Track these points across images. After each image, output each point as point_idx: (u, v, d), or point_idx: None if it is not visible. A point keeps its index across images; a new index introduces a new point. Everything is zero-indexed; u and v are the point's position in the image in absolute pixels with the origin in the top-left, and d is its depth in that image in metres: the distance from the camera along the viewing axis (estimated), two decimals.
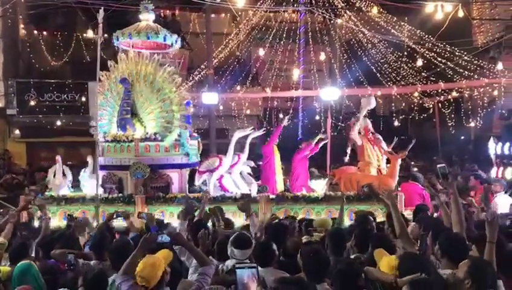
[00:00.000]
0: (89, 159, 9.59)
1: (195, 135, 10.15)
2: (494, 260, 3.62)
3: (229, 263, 4.26)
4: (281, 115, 19.68)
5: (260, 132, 9.64)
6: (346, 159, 10.31)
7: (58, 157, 9.76)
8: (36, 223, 7.48)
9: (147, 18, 9.54)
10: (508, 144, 10.82)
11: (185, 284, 4.04)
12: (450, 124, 18.47)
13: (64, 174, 9.50)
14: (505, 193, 8.19)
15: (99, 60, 8.14)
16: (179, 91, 9.18)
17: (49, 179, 9.42)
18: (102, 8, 7.94)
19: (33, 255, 5.06)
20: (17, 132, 19.01)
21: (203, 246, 4.64)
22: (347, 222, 7.04)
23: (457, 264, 3.69)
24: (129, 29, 9.36)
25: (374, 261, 4.00)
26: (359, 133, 9.62)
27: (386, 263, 3.74)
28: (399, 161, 9.08)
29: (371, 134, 9.69)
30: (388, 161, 9.65)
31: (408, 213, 7.03)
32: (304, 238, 5.11)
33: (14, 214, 6.06)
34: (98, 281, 4.04)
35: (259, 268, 4.05)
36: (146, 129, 9.23)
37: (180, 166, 9.04)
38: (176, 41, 9.60)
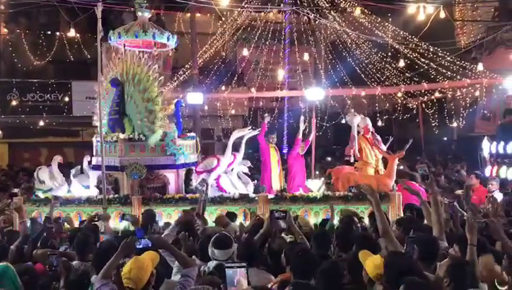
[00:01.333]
0: (85, 159, 9.53)
1: (191, 134, 10.00)
2: (476, 261, 3.67)
3: (211, 264, 4.25)
4: (266, 115, 19.69)
5: (256, 132, 9.62)
6: (329, 159, 10.36)
7: (59, 158, 9.64)
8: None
9: (142, 16, 9.48)
10: (502, 143, 10.97)
11: (169, 285, 4.02)
12: (433, 124, 18.69)
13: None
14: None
15: (99, 58, 8.06)
16: (161, 91, 9.10)
17: (44, 179, 9.23)
18: (100, 2, 7.84)
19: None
20: None
21: (184, 247, 4.63)
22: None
23: (430, 265, 3.78)
24: (119, 29, 9.32)
25: (357, 260, 4.02)
26: (358, 132, 9.68)
27: (371, 263, 3.75)
28: (396, 161, 9.15)
29: (370, 134, 9.72)
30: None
31: None
32: (288, 238, 5.12)
33: (7, 219, 5.99)
34: (80, 282, 4.00)
35: None
36: (134, 129, 9.18)
37: (174, 167, 8.93)
38: (168, 38, 9.50)
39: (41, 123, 18.64)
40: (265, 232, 5.12)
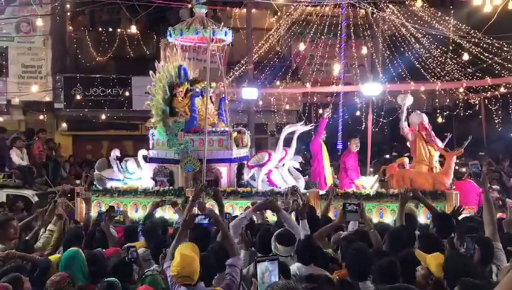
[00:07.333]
0: (139, 153, 9.82)
1: (220, 129, 9.84)
2: None
3: None
4: (320, 111, 19.50)
5: (308, 127, 9.54)
6: (387, 156, 10.10)
7: (117, 151, 9.99)
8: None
9: (199, 12, 9.64)
10: None
11: (219, 278, 4.11)
12: (497, 121, 17.83)
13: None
14: None
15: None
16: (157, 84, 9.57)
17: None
18: None
19: None
20: (64, 125, 19.70)
21: (245, 244, 4.66)
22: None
23: (486, 267, 3.62)
24: (180, 25, 9.53)
25: (409, 259, 3.90)
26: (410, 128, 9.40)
27: (434, 261, 3.60)
28: (454, 159, 8.79)
29: (425, 130, 9.40)
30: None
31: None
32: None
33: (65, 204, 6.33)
34: (122, 268, 4.20)
35: (298, 264, 4.08)
36: None
37: (230, 161, 9.12)
38: (226, 33, 9.62)
39: (103, 117, 19.41)
40: (337, 225, 5.14)
